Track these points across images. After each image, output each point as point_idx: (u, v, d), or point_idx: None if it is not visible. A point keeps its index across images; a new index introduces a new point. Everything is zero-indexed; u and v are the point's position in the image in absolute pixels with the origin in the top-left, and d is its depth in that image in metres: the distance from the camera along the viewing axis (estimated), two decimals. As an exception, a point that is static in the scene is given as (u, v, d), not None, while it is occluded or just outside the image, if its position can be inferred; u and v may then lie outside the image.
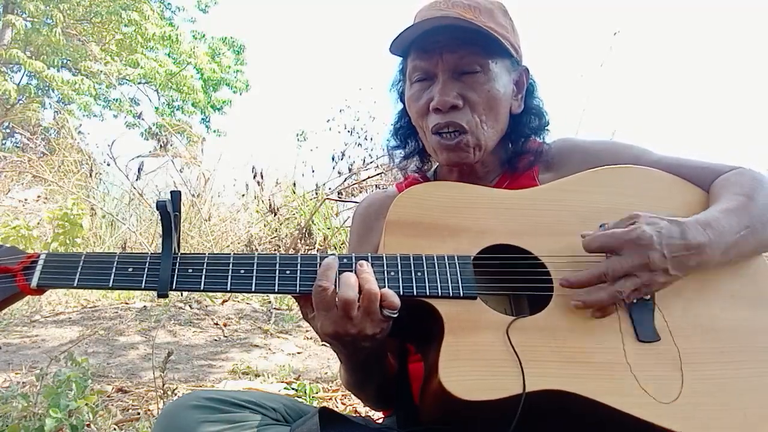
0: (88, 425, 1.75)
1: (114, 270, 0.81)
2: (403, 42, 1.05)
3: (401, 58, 1.12)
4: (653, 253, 0.79)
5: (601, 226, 0.89)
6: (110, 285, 0.80)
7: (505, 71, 1.06)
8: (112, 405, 2.01)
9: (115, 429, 1.82)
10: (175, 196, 0.83)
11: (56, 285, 0.81)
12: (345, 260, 0.84)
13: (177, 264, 0.82)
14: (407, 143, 1.18)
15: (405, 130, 1.17)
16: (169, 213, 0.81)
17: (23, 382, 2.16)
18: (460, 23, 0.99)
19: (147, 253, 0.82)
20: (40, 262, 0.81)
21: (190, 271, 0.82)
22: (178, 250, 0.84)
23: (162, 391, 1.96)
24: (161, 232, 0.82)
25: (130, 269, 0.81)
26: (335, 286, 0.80)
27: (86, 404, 1.73)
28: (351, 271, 0.82)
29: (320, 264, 0.82)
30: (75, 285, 0.81)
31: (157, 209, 0.80)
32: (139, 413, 1.96)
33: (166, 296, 0.81)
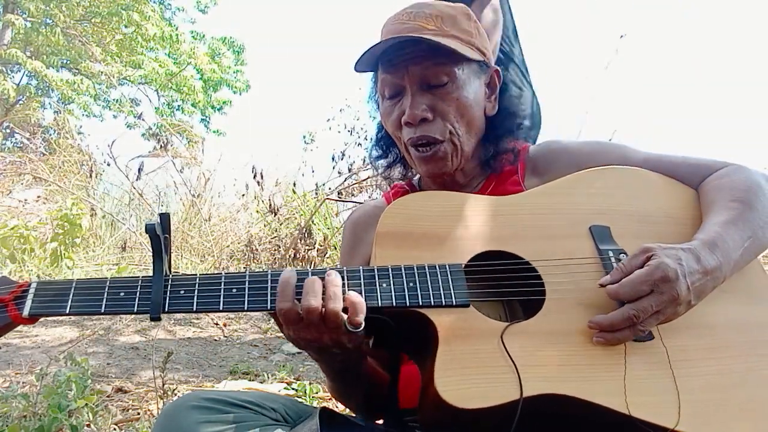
0: (88, 425, 1.76)
1: (106, 295, 0.81)
2: (369, 58, 1.05)
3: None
4: (681, 287, 0.78)
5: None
6: (102, 311, 0.80)
7: (474, 75, 1.07)
8: (112, 405, 2.01)
9: (115, 429, 1.82)
10: (164, 218, 0.82)
11: (48, 313, 0.81)
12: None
13: (169, 286, 0.82)
14: (389, 152, 1.19)
15: (386, 140, 1.18)
16: (159, 236, 0.80)
17: (23, 382, 2.16)
18: (422, 40, 0.99)
19: (138, 277, 0.82)
20: (31, 290, 0.81)
21: (182, 292, 0.82)
22: (170, 272, 0.84)
23: (162, 392, 1.96)
24: (152, 254, 0.82)
25: (122, 293, 0.81)
26: (296, 301, 0.79)
27: (86, 404, 1.73)
28: (320, 277, 0.81)
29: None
30: (67, 312, 0.80)
31: (146, 232, 0.80)
32: (139, 413, 1.96)
33: (159, 320, 0.80)
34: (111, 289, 0.81)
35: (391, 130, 1.10)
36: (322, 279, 0.80)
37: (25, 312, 0.80)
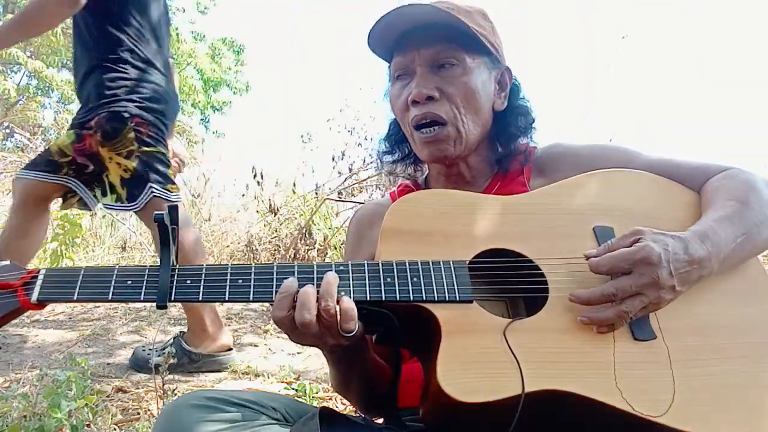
0: (88, 425, 1.76)
1: (113, 283, 0.82)
2: (385, 41, 1.09)
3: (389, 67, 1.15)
4: (662, 272, 0.79)
5: (601, 234, 0.89)
6: (110, 298, 0.82)
7: (485, 68, 1.09)
8: (112, 405, 2.01)
9: (115, 429, 1.82)
10: (173, 209, 0.84)
11: (56, 299, 0.83)
12: (342, 267, 0.85)
13: (175, 276, 0.83)
14: (397, 149, 1.21)
15: (396, 137, 1.20)
16: (167, 226, 0.82)
17: (23, 382, 2.16)
18: (434, 12, 1.02)
19: (146, 266, 0.84)
20: (40, 277, 0.83)
21: (188, 282, 0.83)
22: (176, 262, 0.85)
23: (162, 391, 1.96)
24: (159, 244, 0.83)
25: (129, 282, 0.82)
26: (293, 310, 0.80)
27: (86, 404, 1.73)
28: (313, 284, 0.82)
29: (316, 273, 0.83)
30: (75, 299, 0.82)
31: (155, 222, 0.81)
32: (139, 413, 1.96)
33: (165, 308, 0.82)
34: (118, 277, 0.83)
35: (399, 114, 1.11)
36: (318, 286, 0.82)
37: (34, 297, 0.81)
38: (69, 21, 2.27)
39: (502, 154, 1.13)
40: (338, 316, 0.79)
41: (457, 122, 1.05)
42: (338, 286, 0.82)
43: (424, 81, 1.04)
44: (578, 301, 0.81)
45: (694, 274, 0.83)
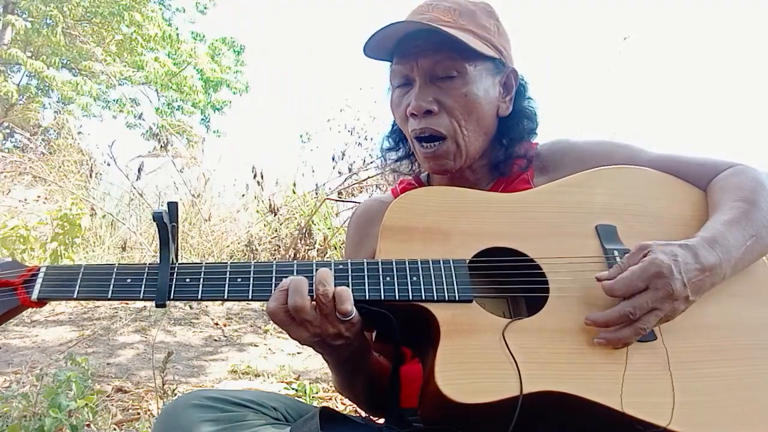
0: (88, 425, 1.76)
1: (113, 281, 0.82)
2: (384, 48, 1.06)
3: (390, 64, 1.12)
4: (675, 283, 0.77)
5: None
6: (109, 296, 0.82)
7: (488, 74, 1.05)
8: (112, 405, 2.01)
9: (115, 429, 1.82)
10: (172, 206, 0.83)
11: (56, 297, 0.83)
12: (340, 266, 0.85)
13: (175, 274, 0.83)
14: (400, 146, 1.19)
15: (399, 134, 1.18)
16: (166, 224, 0.82)
17: (23, 382, 2.16)
18: (431, 27, 0.98)
19: (145, 264, 0.84)
20: (41, 274, 0.82)
21: (187, 280, 0.83)
22: (176, 261, 0.85)
23: (161, 391, 1.96)
24: (159, 242, 0.83)
25: (129, 280, 0.83)
26: (286, 303, 0.80)
27: (86, 404, 1.73)
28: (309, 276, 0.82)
29: (315, 271, 0.83)
30: (75, 297, 0.82)
31: (154, 220, 0.81)
32: (138, 413, 1.96)
33: (164, 306, 0.82)
34: (118, 276, 0.83)
35: (399, 121, 1.10)
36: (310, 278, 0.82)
37: (34, 295, 0.81)
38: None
39: (506, 156, 1.10)
40: (334, 300, 0.79)
41: (457, 136, 1.03)
42: (337, 285, 0.82)
43: (422, 93, 1.01)
44: (595, 325, 0.80)
45: (707, 282, 0.81)
